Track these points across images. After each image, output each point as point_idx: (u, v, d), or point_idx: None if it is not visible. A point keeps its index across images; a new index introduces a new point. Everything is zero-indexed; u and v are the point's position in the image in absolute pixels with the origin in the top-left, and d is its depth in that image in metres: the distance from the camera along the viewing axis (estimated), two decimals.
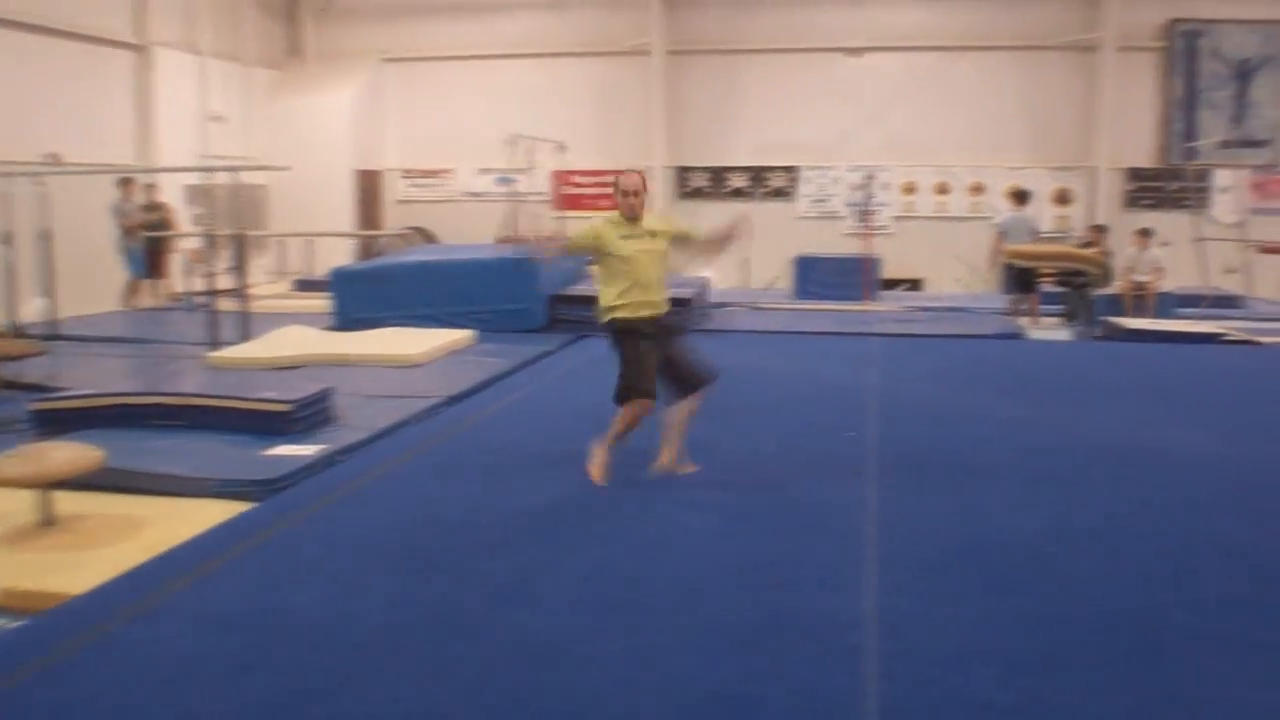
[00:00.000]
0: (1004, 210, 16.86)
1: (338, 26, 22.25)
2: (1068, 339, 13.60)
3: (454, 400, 8.62)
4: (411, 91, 22.32)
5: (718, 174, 21.44)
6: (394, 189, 22.58)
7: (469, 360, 10.37)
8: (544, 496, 5.88)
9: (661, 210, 19.63)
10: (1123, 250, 16.19)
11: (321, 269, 16.46)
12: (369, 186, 21.83)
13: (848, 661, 3.82)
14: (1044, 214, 19.42)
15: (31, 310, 12.56)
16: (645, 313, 6.07)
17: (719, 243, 6.61)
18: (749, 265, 20.22)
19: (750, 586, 4.56)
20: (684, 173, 21.55)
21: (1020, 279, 14.67)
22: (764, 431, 7.55)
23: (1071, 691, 3.63)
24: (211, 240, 13.19)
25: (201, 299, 12.82)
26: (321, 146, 20.50)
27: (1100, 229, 16.79)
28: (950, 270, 20.09)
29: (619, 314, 6.08)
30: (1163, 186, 20.78)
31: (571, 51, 21.53)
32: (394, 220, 21.99)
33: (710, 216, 20.83)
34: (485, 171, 21.55)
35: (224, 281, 12.40)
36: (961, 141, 20.86)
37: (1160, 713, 3.52)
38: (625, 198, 6.13)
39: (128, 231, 15.01)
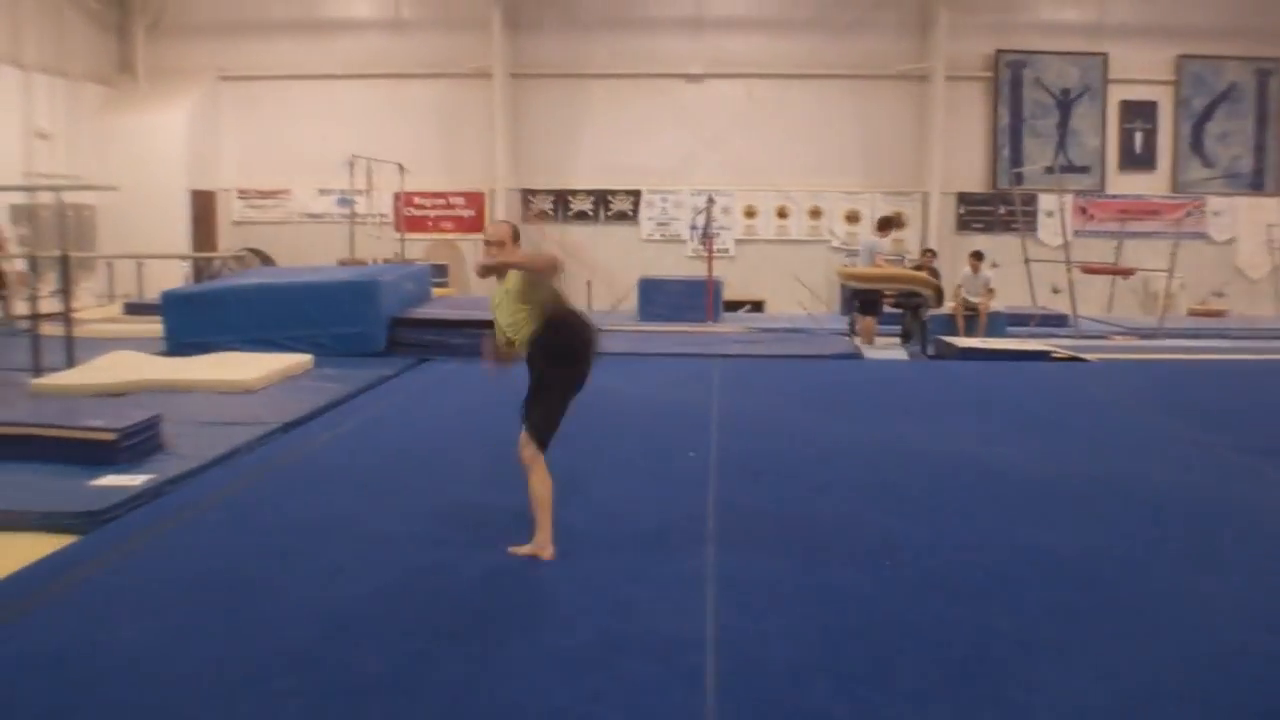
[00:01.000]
0: (866, 235, 17.20)
1: (171, 42, 21.61)
2: (903, 359, 13.92)
3: (290, 427, 8.39)
4: (249, 110, 21.80)
5: (562, 197, 21.48)
6: (230, 210, 22.00)
7: (306, 385, 10.13)
8: (380, 524, 5.75)
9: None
10: (955, 272, 16.71)
11: (153, 292, 15.94)
12: (204, 207, 21.23)
13: (688, 681, 3.82)
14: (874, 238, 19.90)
15: None
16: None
17: (528, 270, 5.19)
18: (592, 288, 20.26)
19: (590, 610, 4.52)
20: (528, 195, 21.52)
21: (866, 301, 15.01)
22: (606, 453, 7.53)
23: (904, 700, 3.70)
24: (35, 262, 12.66)
25: (24, 322, 12.30)
26: (154, 166, 19.86)
27: (930, 252, 17.33)
28: (791, 292, 20.44)
29: None
30: (992, 210, 21.54)
31: (414, 73, 21.34)
32: (230, 242, 21.43)
33: (553, 240, 20.94)
34: (325, 193, 21.19)
35: (49, 305, 11.92)
36: (800, 166, 21.30)
37: (987, 717, 3.59)
38: (487, 249, 5.30)
39: None
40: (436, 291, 16.19)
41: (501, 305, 5.25)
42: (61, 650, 4.07)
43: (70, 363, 10.48)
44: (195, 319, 12.16)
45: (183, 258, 19.69)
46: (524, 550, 5.17)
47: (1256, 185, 22.21)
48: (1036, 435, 8.44)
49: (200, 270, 19.49)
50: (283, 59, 21.49)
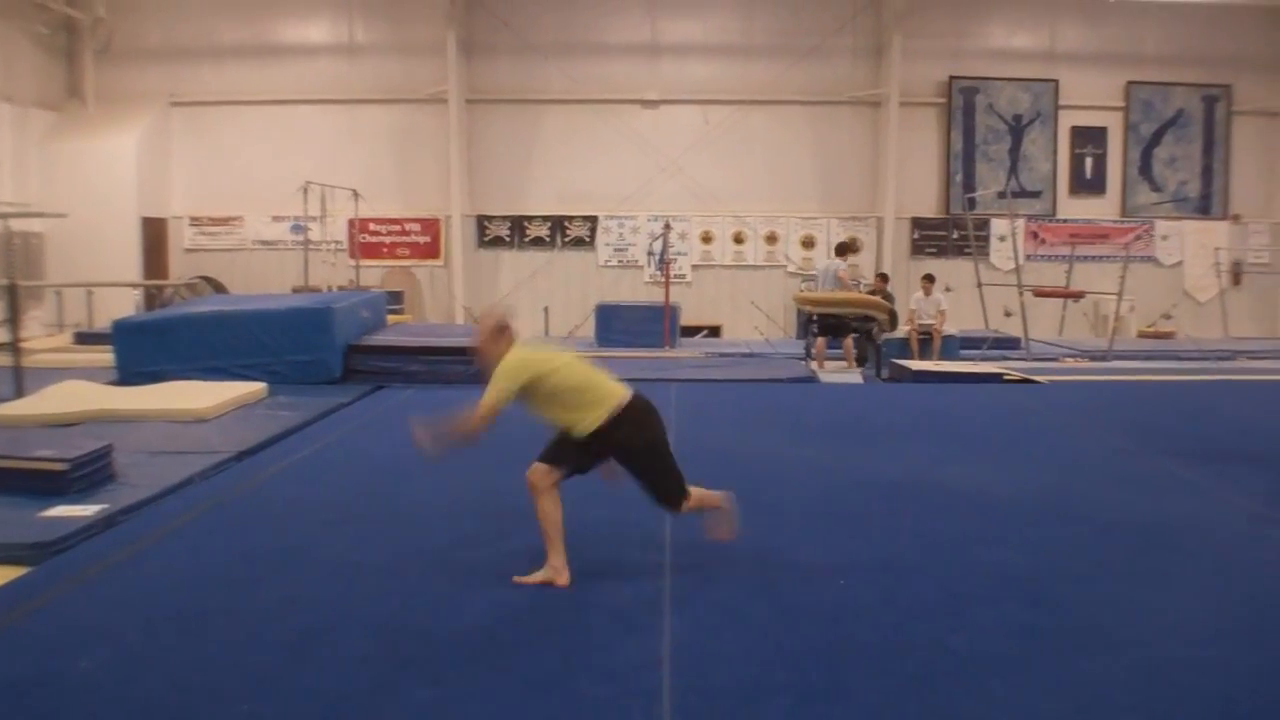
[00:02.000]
0: (826, 260, 17.30)
1: (121, 67, 21.46)
2: (858, 382, 14.00)
3: (244, 455, 8.32)
4: (200, 136, 21.69)
5: (518, 223, 21.47)
6: (181, 237, 21.84)
7: (260, 414, 10.05)
8: (334, 551, 5.72)
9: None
10: (910, 296, 16.87)
11: (103, 321, 15.80)
12: (155, 234, 21.06)
13: (644, 701, 3.82)
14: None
15: None
16: None
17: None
18: (549, 314, 20.30)
19: (547, 632, 4.52)
20: (484, 221, 21.50)
21: (826, 325, 15.11)
22: (569, 480, 7.51)
23: (858, 717, 3.73)
24: None
25: None
26: (104, 192, 19.70)
27: (883, 276, 17.48)
28: (748, 317, 20.55)
29: None
30: (946, 235, 21.75)
31: (368, 98, 21.33)
32: (181, 270, 21.27)
33: (511, 265, 20.99)
34: (278, 219, 21.09)
35: None
36: (757, 192, 21.45)
37: None
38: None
39: None
40: (392, 318, 16.17)
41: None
42: (16, 680, 4.02)
43: (19, 393, 10.37)
44: (147, 348, 12.05)
45: (133, 286, 19.52)
46: (534, 579, 5.13)
47: (1204, 209, 22.60)
48: (989, 456, 8.53)
49: (151, 299, 19.33)
50: (235, 84, 21.42)
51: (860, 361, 15.08)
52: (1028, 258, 21.01)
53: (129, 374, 11.80)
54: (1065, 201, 22.34)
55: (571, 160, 21.36)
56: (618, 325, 17.28)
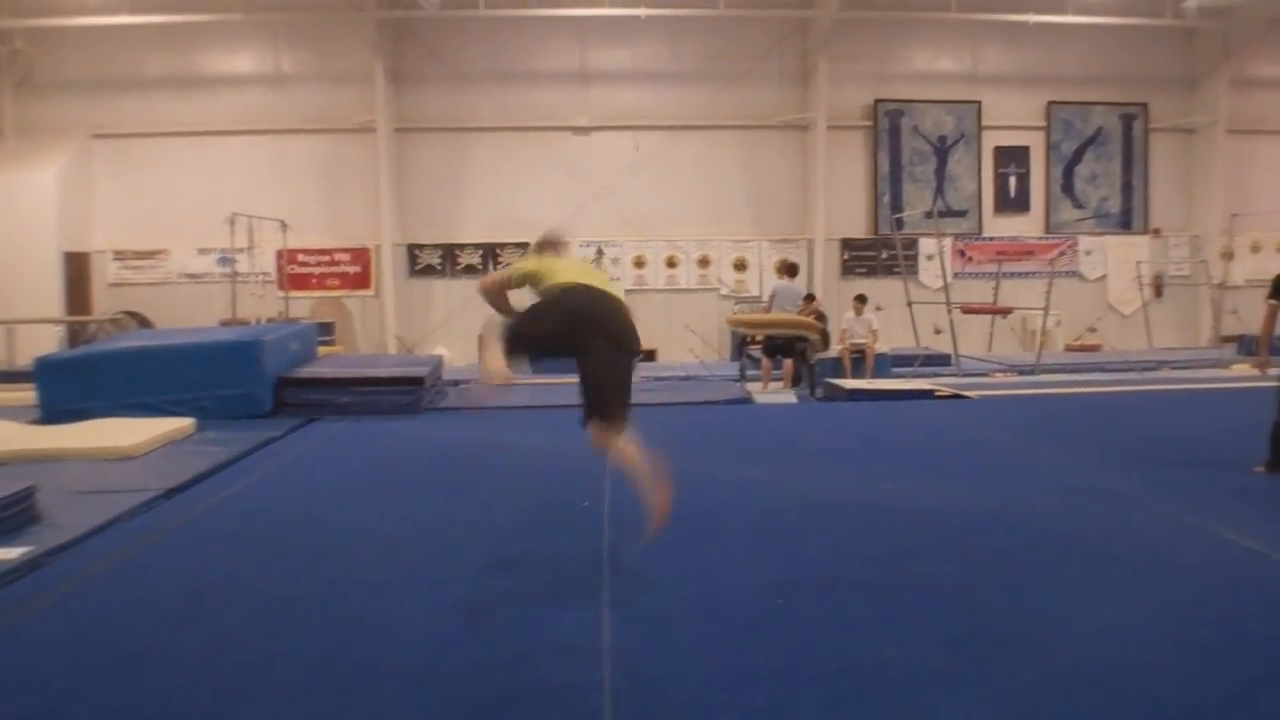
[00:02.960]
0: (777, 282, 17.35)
1: (41, 100, 21.14)
2: (792, 402, 14.08)
3: (173, 492, 8.16)
4: (123, 169, 21.40)
5: (449, 251, 21.38)
6: (105, 272, 21.50)
7: (189, 449, 9.88)
8: (267, 586, 5.63)
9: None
10: (841, 316, 17.01)
11: (25, 358, 15.48)
12: (78, 269, 20.73)
13: None
14: (768, 284, 20.13)
15: None
16: None
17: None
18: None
19: (487, 662, 4.47)
20: (415, 250, 21.39)
21: (774, 346, 15.19)
22: (500, 506, 7.51)
23: None
24: None
25: None
26: (24, 227, 19.39)
27: (810, 297, 17.62)
28: (682, 340, 20.60)
29: None
30: (875, 255, 21.98)
31: (295, 128, 21.18)
32: (106, 305, 20.92)
33: (443, 294, 20.90)
34: (204, 252, 20.84)
35: None
36: (689, 216, 21.55)
37: None
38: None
39: None
40: (323, 350, 16.02)
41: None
42: None
43: None
44: (71, 385, 11.81)
45: (56, 322, 19.18)
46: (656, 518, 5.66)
47: (1125, 224, 23.05)
48: (922, 471, 8.60)
49: (75, 335, 19.01)
50: (159, 115, 21.17)
51: (794, 382, 15.17)
52: (956, 276, 21.28)
53: (53, 412, 11.56)
54: (991, 220, 22.68)
55: (503, 188, 21.33)
56: None
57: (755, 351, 15.66)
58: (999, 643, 4.60)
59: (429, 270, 21.38)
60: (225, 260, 19.56)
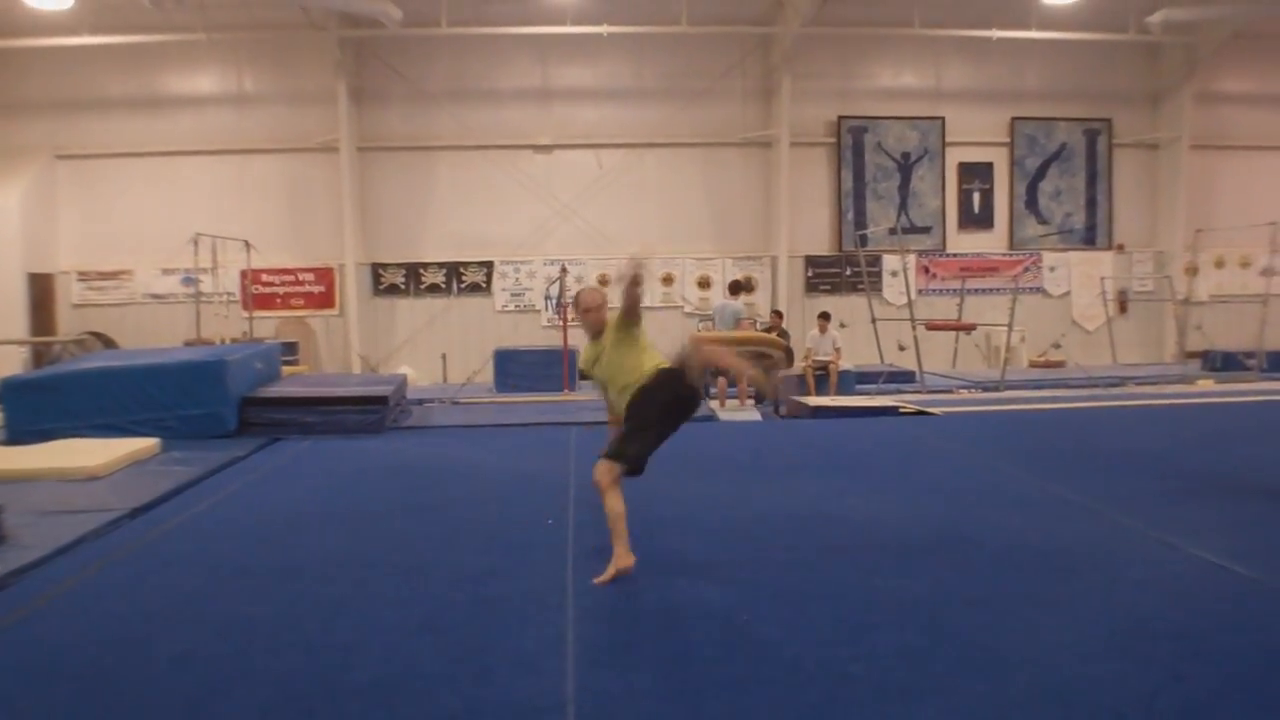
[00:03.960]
0: (720, 300, 17.39)
1: (2, 120, 20.94)
2: (756, 419, 14.08)
3: (138, 512, 8.09)
4: (87, 189, 21.19)
5: (413, 270, 21.30)
6: (69, 292, 21.27)
7: (154, 469, 9.80)
8: (233, 605, 5.58)
9: None
10: (806, 333, 17.04)
11: None
12: (42, 290, 20.53)
13: None
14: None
15: None
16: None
17: (626, 293, 6.06)
18: (447, 360, 20.16)
19: (450, 680, 4.44)
20: (379, 269, 21.30)
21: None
22: (464, 525, 7.48)
23: None
24: None
25: None
26: None
27: (778, 314, 17.67)
28: None
29: None
30: (839, 272, 22.04)
31: (259, 148, 21.07)
32: (70, 326, 20.70)
33: (407, 312, 20.82)
34: (168, 272, 20.66)
35: None
36: (651, 234, 21.48)
37: None
38: (584, 315, 6.38)
39: None
40: (287, 370, 15.92)
41: (601, 360, 6.20)
42: None
43: None
44: (35, 406, 11.69)
45: (20, 343, 18.98)
46: (605, 577, 5.66)
47: (1089, 240, 23.21)
48: (886, 487, 8.62)
49: (40, 356, 18.80)
50: (122, 136, 21.00)
51: (758, 399, 15.17)
52: (920, 292, 21.38)
53: (18, 433, 11.45)
54: (955, 236, 22.79)
55: (466, 206, 21.27)
56: (516, 370, 17.25)
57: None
58: (960, 657, 4.61)
59: (393, 289, 21.25)
60: (189, 280, 19.39)
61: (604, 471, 5.82)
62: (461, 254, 21.31)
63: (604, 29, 20.38)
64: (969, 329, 19.65)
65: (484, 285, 21.36)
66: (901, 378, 17.81)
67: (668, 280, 21.69)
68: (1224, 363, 20.32)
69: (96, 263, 21.18)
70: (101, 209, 21.10)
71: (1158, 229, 23.49)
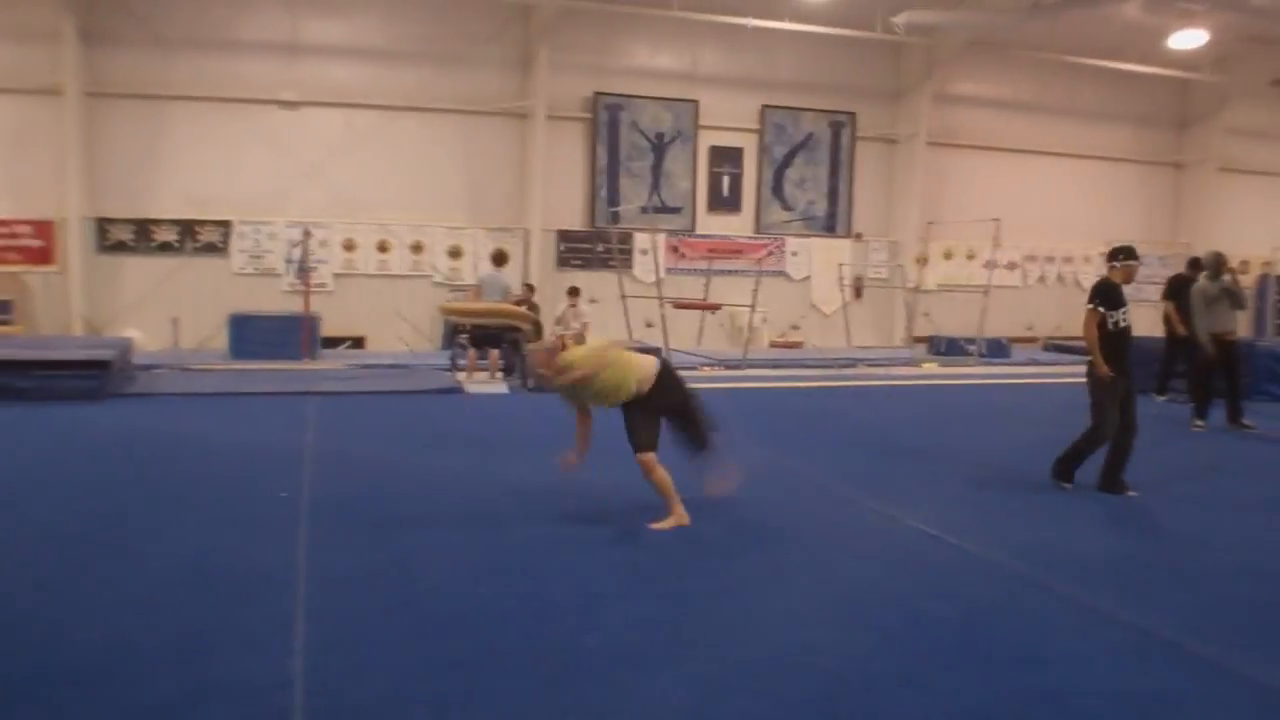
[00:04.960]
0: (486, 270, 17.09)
1: None
2: (504, 392, 13.96)
3: None
4: None
5: (143, 226, 20.08)
6: None
7: None
8: None
9: None
10: (557, 307, 16.98)
11: None
12: None
13: None
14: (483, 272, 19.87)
15: None
16: None
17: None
18: (179, 324, 19.20)
19: (172, 659, 4.21)
20: (105, 225, 19.99)
21: (481, 335, 14.97)
22: (189, 499, 7.13)
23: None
24: None
25: None
26: None
27: (530, 287, 17.58)
28: (392, 328, 20.13)
29: None
30: (591, 248, 22.08)
31: None
32: None
33: (136, 271, 19.67)
34: None
35: None
36: (402, 200, 21.01)
37: None
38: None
39: None
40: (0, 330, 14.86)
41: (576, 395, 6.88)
42: None
43: None
44: None
45: None
46: (665, 524, 6.42)
47: (829, 228, 24.00)
48: (626, 461, 8.64)
49: None
50: None
51: (507, 372, 15.04)
52: (668, 271, 21.63)
53: None
54: (704, 218, 23.15)
55: (204, 162, 20.13)
56: (254, 336, 16.62)
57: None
58: (694, 627, 4.68)
59: (121, 246, 19.97)
60: None
61: (649, 460, 6.55)
62: (197, 211, 20.17)
63: None
64: (714, 309, 20.05)
65: (221, 246, 20.32)
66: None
67: (418, 249, 21.21)
68: (948, 348, 21.44)
69: None
70: None
71: (893, 220, 24.52)
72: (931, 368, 19.02)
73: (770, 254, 23.33)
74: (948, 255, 24.73)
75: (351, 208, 20.62)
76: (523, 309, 15.31)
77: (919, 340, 22.60)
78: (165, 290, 19.60)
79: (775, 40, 22.42)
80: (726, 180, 23.36)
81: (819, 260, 23.82)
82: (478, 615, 4.78)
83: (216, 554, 5.71)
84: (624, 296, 18.30)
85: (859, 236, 24.22)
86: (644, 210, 20.95)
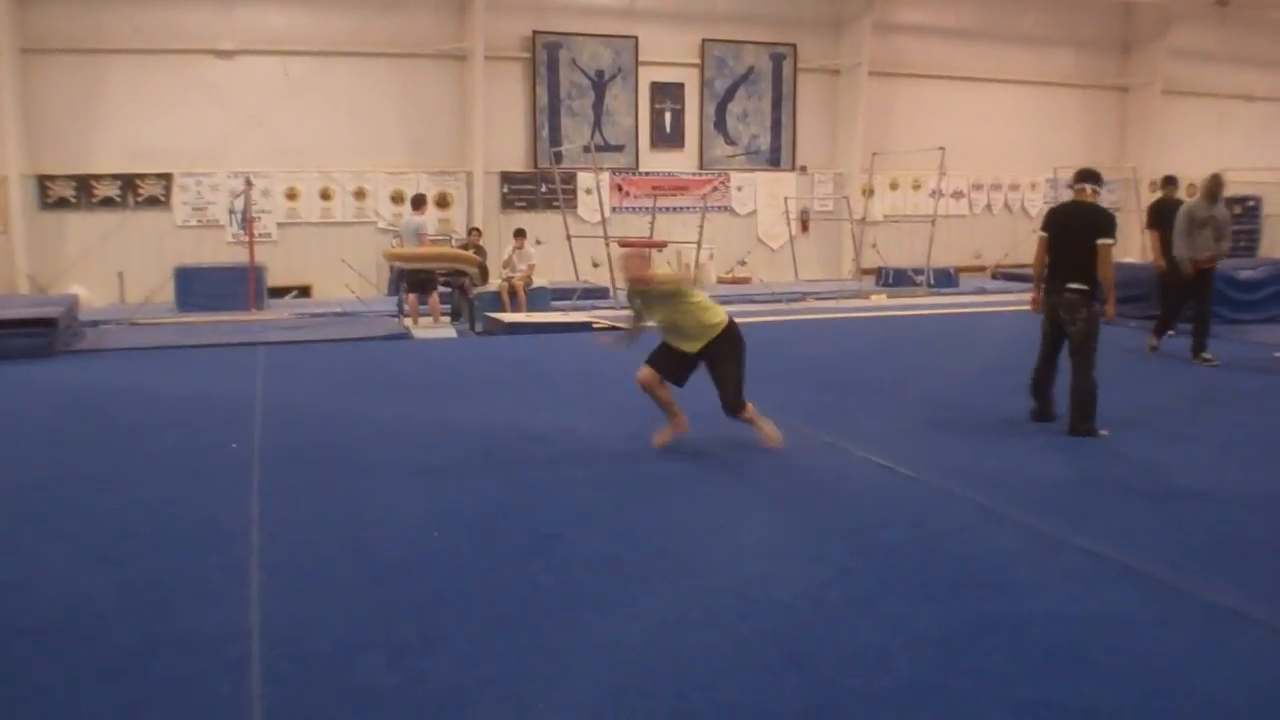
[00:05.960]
0: (406, 215, 17.04)
1: None
2: (452, 336, 14.02)
3: None
4: None
5: (84, 183, 19.83)
6: None
7: None
8: None
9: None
10: (503, 250, 16.99)
11: None
12: None
13: (233, 674, 3.68)
14: (430, 217, 19.79)
15: None
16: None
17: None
18: (124, 279, 19.05)
19: (130, 611, 4.27)
20: (45, 182, 19.72)
21: (416, 280, 14.97)
22: (141, 452, 7.16)
23: (452, 664, 3.75)
24: None
25: None
26: None
27: (476, 230, 17.57)
28: (339, 275, 20.05)
29: None
30: (535, 189, 22.02)
31: None
32: None
33: (79, 228, 19.44)
34: None
35: None
36: (343, 147, 20.81)
37: (524, 672, 3.68)
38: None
39: None
40: None
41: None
42: None
43: None
44: None
45: None
46: (767, 434, 6.94)
47: (774, 161, 24.03)
48: (576, 401, 8.84)
49: None
50: None
51: (455, 316, 15.09)
52: (613, 210, 21.62)
53: None
54: (647, 155, 23.11)
55: (142, 115, 19.81)
56: (199, 289, 16.56)
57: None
58: (647, 563, 4.79)
59: (62, 203, 19.73)
60: None
61: (748, 407, 6.98)
62: (138, 166, 19.91)
63: None
64: (660, 246, 20.08)
65: (163, 199, 20.11)
66: (596, 294, 18.07)
67: (360, 195, 21.06)
68: (895, 279, 21.63)
69: None
70: None
71: (837, 152, 24.56)
72: (880, 299, 19.22)
73: (715, 189, 23.37)
74: (893, 186, 24.84)
75: (293, 156, 20.40)
76: (469, 253, 15.34)
77: (867, 272, 22.75)
78: (109, 246, 19.40)
79: None
80: (669, 116, 23.30)
81: (764, 195, 23.85)
82: (431, 559, 4.87)
83: (170, 506, 5.77)
84: (570, 237, 18.32)
85: (804, 169, 24.26)
86: (586, 149, 20.88)
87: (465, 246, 16.28)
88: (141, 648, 3.92)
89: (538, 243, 18.47)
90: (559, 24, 22.06)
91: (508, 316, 14.49)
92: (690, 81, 23.32)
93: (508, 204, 21.91)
